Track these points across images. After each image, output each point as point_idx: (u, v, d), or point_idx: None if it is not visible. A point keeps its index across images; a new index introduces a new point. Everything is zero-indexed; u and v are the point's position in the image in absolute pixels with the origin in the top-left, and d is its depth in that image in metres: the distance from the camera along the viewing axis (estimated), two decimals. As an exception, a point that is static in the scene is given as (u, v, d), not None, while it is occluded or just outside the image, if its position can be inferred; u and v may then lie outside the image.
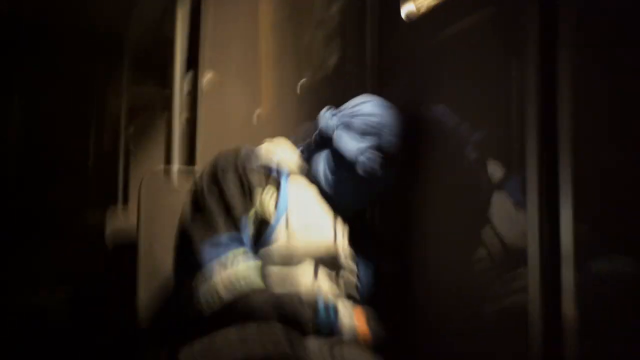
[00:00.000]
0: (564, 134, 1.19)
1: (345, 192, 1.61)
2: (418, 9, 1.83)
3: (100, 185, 3.90)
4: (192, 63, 2.02)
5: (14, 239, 3.34)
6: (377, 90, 1.90)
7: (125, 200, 3.48)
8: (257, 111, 2.04)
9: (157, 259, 1.70)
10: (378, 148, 1.59)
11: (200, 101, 1.97)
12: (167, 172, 1.81)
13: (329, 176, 1.60)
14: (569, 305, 1.16)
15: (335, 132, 1.61)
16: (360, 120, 1.60)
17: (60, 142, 3.91)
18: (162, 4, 3.00)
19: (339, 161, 1.59)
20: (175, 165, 1.86)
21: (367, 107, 1.63)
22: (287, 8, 2.11)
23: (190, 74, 2.14)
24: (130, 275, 1.75)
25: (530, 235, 1.25)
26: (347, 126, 1.61)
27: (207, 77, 2.01)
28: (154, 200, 1.77)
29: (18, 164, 3.85)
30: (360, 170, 1.58)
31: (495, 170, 1.49)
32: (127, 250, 1.83)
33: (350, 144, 1.58)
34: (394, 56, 1.90)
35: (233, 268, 1.40)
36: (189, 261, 1.44)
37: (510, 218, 1.42)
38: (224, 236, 1.44)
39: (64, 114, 3.91)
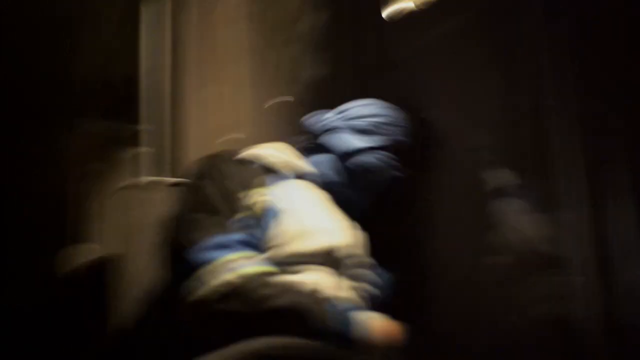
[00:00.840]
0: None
1: (350, 194, 1.51)
2: (402, 10, 1.76)
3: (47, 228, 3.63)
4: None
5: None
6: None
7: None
8: (235, 135, 1.92)
9: (132, 275, 1.55)
10: (385, 147, 1.53)
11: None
12: (139, 185, 1.67)
13: (334, 178, 1.51)
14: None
15: (337, 135, 1.54)
16: (364, 122, 1.55)
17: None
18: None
19: (343, 163, 1.51)
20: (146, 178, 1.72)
21: (369, 108, 1.59)
22: (259, 30, 2.03)
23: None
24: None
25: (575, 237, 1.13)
26: (350, 128, 1.55)
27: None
28: (125, 215, 1.63)
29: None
30: (367, 170, 1.50)
31: (502, 176, 1.41)
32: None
33: (356, 145, 1.51)
34: (375, 62, 1.83)
35: (242, 269, 1.22)
36: (186, 264, 1.24)
37: (522, 223, 1.34)
38: (230, 237, 1.26)
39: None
